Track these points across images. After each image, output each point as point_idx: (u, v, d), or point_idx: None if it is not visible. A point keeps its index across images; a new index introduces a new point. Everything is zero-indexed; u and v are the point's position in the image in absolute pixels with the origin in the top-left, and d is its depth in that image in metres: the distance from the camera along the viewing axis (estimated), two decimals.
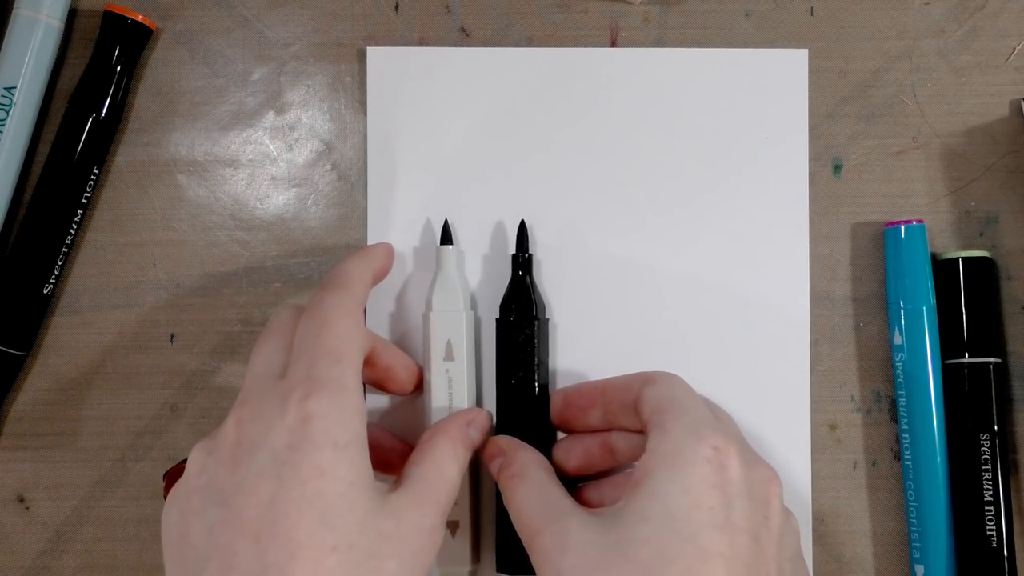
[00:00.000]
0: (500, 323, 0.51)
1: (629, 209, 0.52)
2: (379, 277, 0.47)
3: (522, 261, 0.52)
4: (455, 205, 0.53)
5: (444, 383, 0.50)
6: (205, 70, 0.53)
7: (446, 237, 0.52)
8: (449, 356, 0.50)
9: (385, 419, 0.52)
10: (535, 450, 0.46)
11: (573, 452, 0.47)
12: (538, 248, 0.53)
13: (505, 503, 0.43)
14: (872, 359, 0.53)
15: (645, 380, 0.44)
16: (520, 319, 0.50)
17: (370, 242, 0.53)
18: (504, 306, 0.51)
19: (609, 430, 0.47)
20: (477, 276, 0.53)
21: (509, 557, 0.50)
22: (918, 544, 0.51)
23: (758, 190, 0.52)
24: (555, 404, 0.48)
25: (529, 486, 0.43)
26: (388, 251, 0.48)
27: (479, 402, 0.52)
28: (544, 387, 0.50)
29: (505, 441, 0.46)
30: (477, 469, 0.52)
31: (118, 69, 0.51)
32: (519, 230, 0.52)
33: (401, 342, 0.53)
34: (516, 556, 0.49)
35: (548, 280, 0.53)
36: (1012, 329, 0.53)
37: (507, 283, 0.52)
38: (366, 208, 0.53)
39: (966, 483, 0.50)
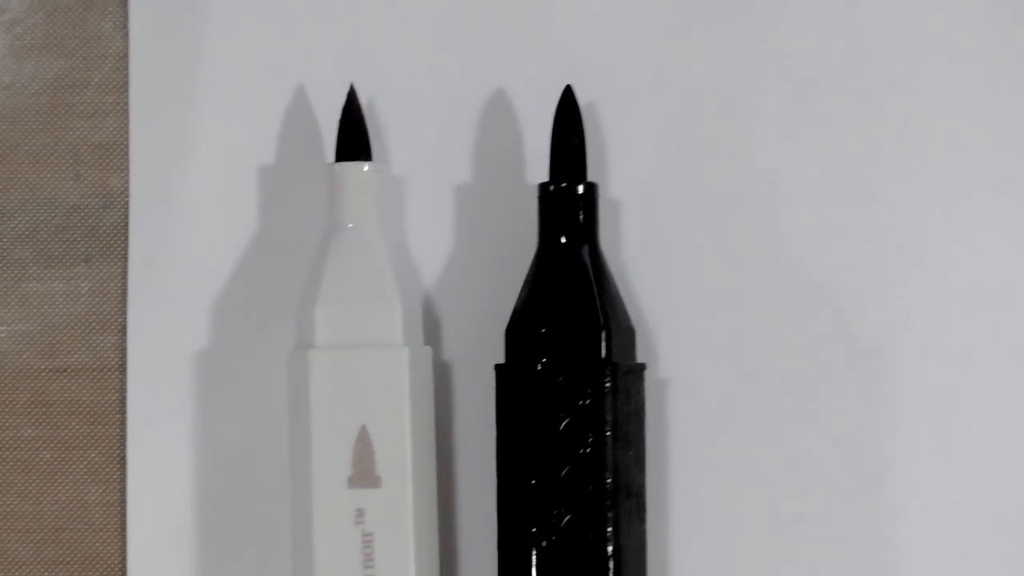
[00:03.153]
0: (504, 375, 0.31)
1: (840, 103, 0.34)
2: None
3: (568, 203, 0.32)
4: (376, 50, 0.33)
5: (352, 546, 0.29)
6: None
7: (354, 138, 0.33)
8: (365, 478, 0.29)
9: None
10: None
11: None
12: (611, 177, 0.34)
13: None
14: None
15: None
16: (564, 366, 0.31)
17: (133, 158, 0.34)
18: (516, 327, 0.31)
19: None
20: (443, 244, 0.34)
21: None
22: None
23: None
24: None
25: None
26: None
27: None
28: (639, 539, 0.31)
29: None
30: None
31: None
32: (559, 119, 0.32)
33: (235, 439, 0.34)
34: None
35: (639, 262, 0.34)
36: None
37: (528, 266, 0.31)
38: (127, 61, 0.34)
39: None
